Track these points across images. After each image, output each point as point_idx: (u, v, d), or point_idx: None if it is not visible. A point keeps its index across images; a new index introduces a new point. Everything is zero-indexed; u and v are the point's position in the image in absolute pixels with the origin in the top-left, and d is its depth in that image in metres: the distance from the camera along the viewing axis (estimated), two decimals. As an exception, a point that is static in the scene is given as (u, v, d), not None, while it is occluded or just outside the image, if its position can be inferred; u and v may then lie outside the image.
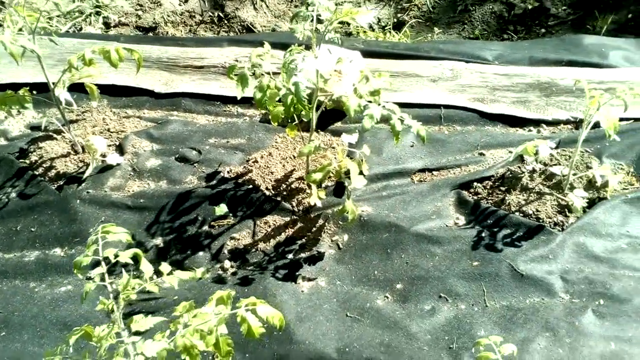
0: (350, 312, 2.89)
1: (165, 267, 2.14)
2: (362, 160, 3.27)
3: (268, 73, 2.85)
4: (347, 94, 2.73)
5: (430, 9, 5.29)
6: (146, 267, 2.06)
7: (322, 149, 3.04)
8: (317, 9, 2.81)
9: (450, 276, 2.99)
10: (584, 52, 4.20)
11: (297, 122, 3.17)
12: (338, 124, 3.83)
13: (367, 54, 4.16)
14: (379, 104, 2.77)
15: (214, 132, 3.85)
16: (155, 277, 2.22)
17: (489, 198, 3.31)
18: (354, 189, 3.19)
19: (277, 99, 2.85)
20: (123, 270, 2.52)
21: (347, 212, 2.99)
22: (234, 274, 3.16)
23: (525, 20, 5.18)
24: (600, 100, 2.83)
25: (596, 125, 2.94)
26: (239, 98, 2.80)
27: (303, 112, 3.12)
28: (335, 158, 3.16)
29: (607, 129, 2.86)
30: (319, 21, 2.82)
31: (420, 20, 5.32)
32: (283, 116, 2.97)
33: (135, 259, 2.20)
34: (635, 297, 2.79)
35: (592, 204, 3.25)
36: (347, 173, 3.04)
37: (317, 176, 2.93)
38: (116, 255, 2.23)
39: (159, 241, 3.31)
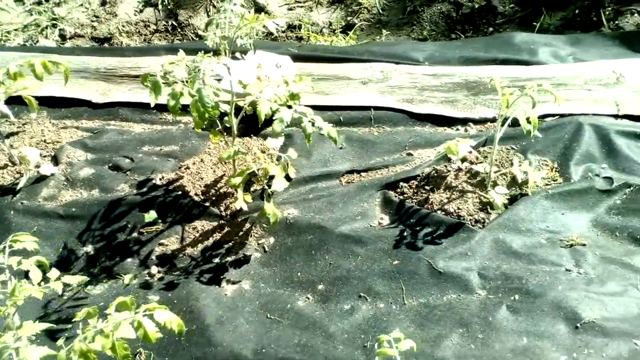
0: (271, 313, 2.93)
1: (53, 273, 2.18)
2: (287, 164, 3.30)
3: (183, 81, 2.87)
4: (260, 99, 2.77)
5: (380, 11, 5.33)
6: (35, 274, 2.10)
7: (242, 154, 3.07)
8: (229, 16, 2.83)
9: (371, 275, 3.02)
10: (514, 49, 4.26)
11: (220, 127, 3.20)
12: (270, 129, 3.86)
13: (302, 58, 4.21)
14: (290, 107, 2.80)
15: (148, 140, 3.89)
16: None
17: (414, 197, 3.35)
18: (275, 192, 3.22)
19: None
20: (13, 278, 2.53)
21: (269, 215, 3.02)
22: (160, 279, 3.20)
23: (474, 19, 5.23)
24: (510, 99, 2.87)
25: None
26: (152, 105, 2.83)
27: (226, 118, 3.16)
28: (260, 161, 3.19)
29: (523, 126, 2.91)
30: (233, 27, 2.85)
31: (370, 23, 5.37)
32: (205, 123, 2.99)
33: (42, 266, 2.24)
34: (549, 292, 2.83)
35: (514, 200, 3.27)
36: (273, 177, 3.07)
37: (236, 180, 2.97)
38: (19, 263, 2.25)
39: (89, 249, 3.34)
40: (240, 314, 2.94)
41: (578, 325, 2.70)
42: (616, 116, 3.65)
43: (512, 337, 2.72)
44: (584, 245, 3.04)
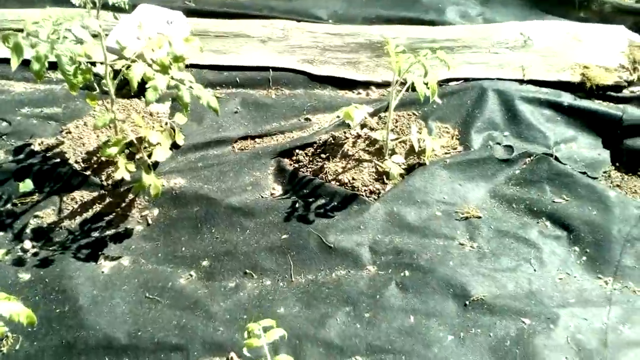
0: (150, 292, 2.76)
1: None
2: (173, 130, 3.08)
3: (50, 41, 2.60)
4: (133, 65, 2.54)
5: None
6: None
7: (119, 121, 2.83)
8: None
9: (259, 250, 2.89)
10: (421, 8, 4.11)
11: (97, 90, 2.94)
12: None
13: (197, 13, 3.95)
14: (167, 73, 2.57)
15: (27, 101, 3.60)
16: None
17: (309, 166, 3.20)
18: (155, 162, 3.00)
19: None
20: None
21: (149, 187, 2.81)
22: (34, 254, 2.98)
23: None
24: (402, 66, 2.71)
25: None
26: (13, 69, 2.55)
27: (104, 81, 2.91)
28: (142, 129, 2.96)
29: (420, 93, 2.75)
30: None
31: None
32: (80, 85, 2.74)
33: None
34: (440, 268, 2.74)
35: (412, 170, 3.15)
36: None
37: (112, 151, 2.76)
38: None
39: (-44, 223, 3.07)
40: (116, 293, 2.77)
41: (467, 303, 2.63)
42: (521, 81, 3.56)
43: (399, 315, 2.63)
44: (480, 217, 2.96)
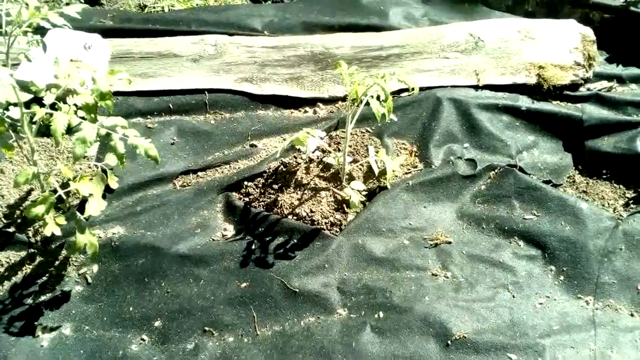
0: (99, 365, 2.51)
1: None
2: (105, 174, 2.83)
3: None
4: (55, 114, 2.28)
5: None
6: None
7: (44, 174, 2.57)
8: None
9: (217, 303, 2.70)
10: (362, 12, 3.95)
11: (14, 138, 2.66)
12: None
13: (116, 33, 3.65)
14: (96, 120, 2.33)
15: None
16: None
17: (261, 199, 3.01)
18: (90, 216, 2.76)
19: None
20: None
21: (86, 247, 2.57)
22: (-42, 331, 2.67)
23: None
24: (359, 90, 2.56)
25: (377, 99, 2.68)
26: None
27: (19, 127, 2.63)
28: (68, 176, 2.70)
29: (377, 114, 2.61)
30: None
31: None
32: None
33: None
34: (416, 305, 2.63)
35: (373, 195, 3.01)
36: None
37: (39, 210, 2.48)
38: None
39: None
40: (60, 370, 2.51)
41: (449, 342, 2.54)
42: (477, 87, 3.47)
43: (378, 364, 2.49)
44: (450, 242, 2.87)
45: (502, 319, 2.62)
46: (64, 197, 2.57)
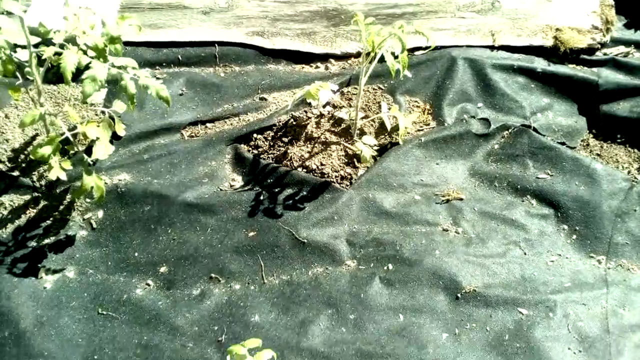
0: (103, 308, 2.53)
1: None
2: (113, 121, 2.81)
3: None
4: (65, 52, 2.26)
5: None
6: None
7: (51, 115, 2.55)
8: None
9: (224, 251, 2.68)
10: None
11: (21, 81, 2.64)
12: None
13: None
14: (106, 59, 2.31)
15: None
16: None
17: (271, 152, 3.00)
18: (97, 160, 2.74)
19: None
20: None
21: (92, 189, 2.56)
22: (-39, 272, 2.67)
23: None
24: (375, 40, 2.54)
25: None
26: None
27: (27, 69, 2.61)
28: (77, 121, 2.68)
29: (391, 68, 2.59)
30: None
31: None
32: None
33: None
34: (426, 258, 2.62)
35: (384, 150, 2.99)
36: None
37: (45, 151, 2.47)
38: None
39: None
40: (64, 311, 2.53)
41: (458, 295, 2.52)
42: (492, 47, 3.44)
43: (387, 315, 2.50)
44: (462, 199, 2.85)
45: (513, 274, 2.60)
46: (71, 138, 2.54)
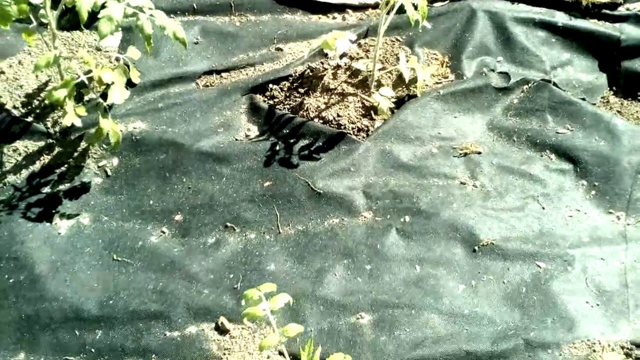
0: (118, 254, 2.52)
1: None
2: (128, 67, 2.77)
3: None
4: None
5: None
6: None
7: (66, 59, 2.51)
8: None
9: (239, 201, 2.67)
10: None
11: (35, 24, 2.60)
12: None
13: None
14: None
15: (-53, 37, 3.19)
16: None
17: (287, 102, 2.96)
18: (112, 104, 2.71)
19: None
20: None
21: (108, 135, 2.53)
22: (-24, 217, 2.66)
23: None
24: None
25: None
26: None
27: (41, 12, 2.57)
28: (91, 66, 2.64)
29: (411, 17, 2.54)
30: None
31: None
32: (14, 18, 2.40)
33: None
34: (443, 211, 2.60)
35: (402, 103, 2.96)
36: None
37: (60, 94, 2.43)
38: None
39: None
40: (79, 256, 2.53)
41: (476, 248, 2.51)
42: (513, 0, 3.37)
43: (404, 266, 2.48)
44: (480, 153, 2.81)
45: (531, 228, 2.58)
46: (86, 82, 2.51)
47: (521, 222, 2.59)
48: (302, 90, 2.98)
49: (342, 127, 2.84)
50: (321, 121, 2.86)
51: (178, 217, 2.63)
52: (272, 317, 1.83)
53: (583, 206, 2.67)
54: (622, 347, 2.26)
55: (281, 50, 3.20)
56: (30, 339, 2.32)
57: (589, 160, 2.78)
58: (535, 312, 2.34)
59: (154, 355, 2.28)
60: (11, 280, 2.44)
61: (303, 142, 2.83)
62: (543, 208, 2.65)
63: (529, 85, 3.02)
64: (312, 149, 2.80)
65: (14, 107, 2.87)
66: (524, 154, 2.84)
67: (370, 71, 2.91)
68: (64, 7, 2.47)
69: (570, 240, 2.54)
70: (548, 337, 2.28)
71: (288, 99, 2.97)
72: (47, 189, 2.72)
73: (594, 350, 2.24)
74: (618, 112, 3.05)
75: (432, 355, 2.24)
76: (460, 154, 2.81)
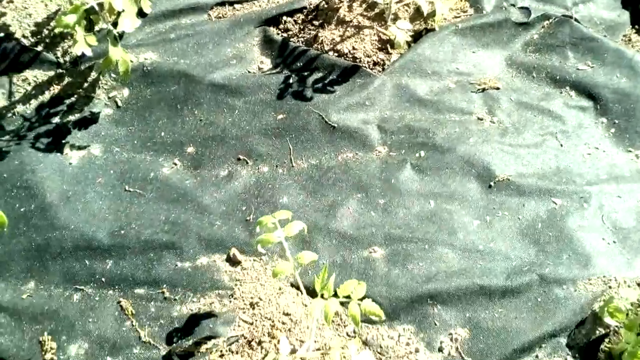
0: (130, 185, 2.50)
1: None
2: (139, -5, 2.71)
3: None
4: None
5: None
6: None
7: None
8: None
9: (252, 134, 2.62)
10: None
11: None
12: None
13: None
14: None
15: (-46, -36, 3.10)
16: None
17: (301, 35, 2.90)
18: (124, 33, 2.65)
19: None
20: None
21: (117, 64, 2.48)
22: (-16, 146, 2.63)
23: None
24: None
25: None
26: None
27: None
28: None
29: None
30: None
31: None
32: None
33: None
34: (459, 146, 2.55)
35: (419, 37, 2.88)
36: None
37: (69, 19, 2.38)
38: None
39: None
40: (90, 187, 2.50)
41: (491, 184, 2.46)
42: None
43: (418, 200, 2.44)
44: (498, 88, 2.75)
45: (548, 165, 2.53)
46: (97, 7, 2.44)
47: (538, 158, 2.54)
48: (316, 23, 2.90)
49: (357, 60, 2.77)
50: (336, 54, 2.80)
51: (190, 149, 2.59)
52: (286, 243, 1.79)
53: (602, 144, 2.61)
54: (639, 284, 2.22)
55: (295, -19, 3.10)
56: (40, 267, 2.31)
57: (610, 98, 2.71)
58: (551, 249, 2.30)
59: (164, 285, 2.26)
60: (22, 209, 2.42)
61: (317, 75, 2.77)
62: (561, 145, 2.59)
63: (550, 20, 2.93)
64: (326, 82, 2.74)
65: (23, 36, 2.81)
66: (543, 90, 2.77)
67: (387, 4, 2.83)
68: None
69: (588, 177, 2.49)
70: (563, 273, 2.23)
71: (302, 32, 2.90)
72: (56, 119, 2.68)
73: (610, 287, 2.21)
74: (639, 51, 2.95)
75: (445, 289, 2.21)
76: (478, 89, 2.74)
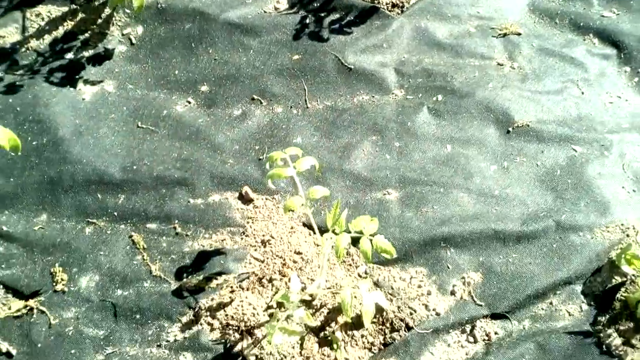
0: (143, 122, 2.46)
1: None
2: None
3: None
4: None
5: None
6: None
7: None
8: None
9: (266, 73, 2.57)
10: None
11: None
12: None
13: None
14: None
15: None
16: None
17: (318, -26, 2.81)
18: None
19: None
20: None
21: (131, -2, 2.43)
22: (-1, 80, 2.60)
23: None
24: None
25: None
26: None
27: None
28: None
29: None
30: None
31: None
32: None
33: None
34: (478, 90, 2.49)
35: (439, -22, 2.81)
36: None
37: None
38: None
39: None
40: (103, 122, 2.47)
41: (510, 129, 2.41)
42: None
43: (434, 144, 2.40)
44: (519, 34, 2.68)
45: (568, 112, 2.47)
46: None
47: (559, 105, 2.48)
48: (335, -37, 2.82)
49: (375, 1, 2.73)
50: (354, -6, 2.72)
51: (204, 88, 2.55)
52: (297, 178, 1.75)
53: (624, 93, 2.55)
54: (657, 232, 2.18)
55: None
56: (52, 200, 2.29)
57: (634, 46, 2.65)
58: (569, 195, 2.25)
59: (176, 221, 2.23)
60: (34, 143, 2.40)
61: (334, 16, 2.71)
62: (582, 93, 2.53)
63: (576, -35, 2.84)
64: (343, 23, 2.68)
65: (36, -30, 2.74)
66: (565, 37, 2.70)
67: (408, -56, 2.74)
68: None
69: (609, 125, 2.43)
70: (580, 220, 2.19)
71: (319, -29, 2.83)
72: (70, 55, 2.65)
73: (628, 235, 2.17)
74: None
75: (460, 232, 2.17)
76: (499, 34, 2.67)
